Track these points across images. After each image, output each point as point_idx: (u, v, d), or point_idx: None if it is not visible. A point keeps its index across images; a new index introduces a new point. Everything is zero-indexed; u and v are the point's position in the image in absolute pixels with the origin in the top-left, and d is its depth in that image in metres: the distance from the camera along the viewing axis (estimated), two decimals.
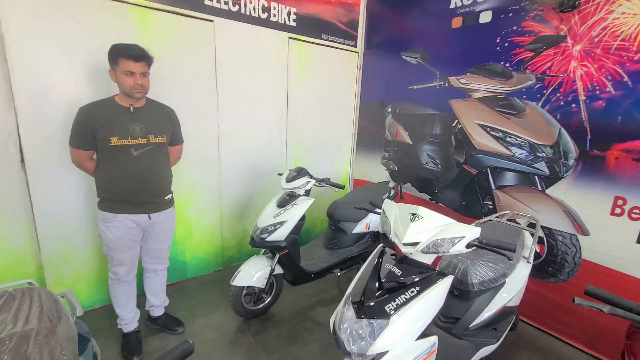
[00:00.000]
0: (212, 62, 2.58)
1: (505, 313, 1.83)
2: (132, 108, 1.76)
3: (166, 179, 1.95)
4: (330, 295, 2.77)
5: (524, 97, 2.34)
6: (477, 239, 1.29)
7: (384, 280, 1.37)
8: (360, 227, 2.67)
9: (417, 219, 1.36)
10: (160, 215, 1.93)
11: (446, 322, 1.78)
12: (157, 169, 1.86)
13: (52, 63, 1.97)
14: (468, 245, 1.28)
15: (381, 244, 1.61)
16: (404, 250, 1.35)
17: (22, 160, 2.01)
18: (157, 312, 2.21)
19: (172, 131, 1.95)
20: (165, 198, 1.95)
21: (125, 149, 1.73)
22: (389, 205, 1.54)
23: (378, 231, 2.79)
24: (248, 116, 2.89)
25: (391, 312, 1.25)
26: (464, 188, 2.79)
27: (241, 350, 2.09)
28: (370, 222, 2.69)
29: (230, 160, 2.85)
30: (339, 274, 2.62)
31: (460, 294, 1.79)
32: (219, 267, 3.05)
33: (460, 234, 1.29)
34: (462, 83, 2.68)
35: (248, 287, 2.26)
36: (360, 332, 1.25)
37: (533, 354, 2.20)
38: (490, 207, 2.61)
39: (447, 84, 2.80)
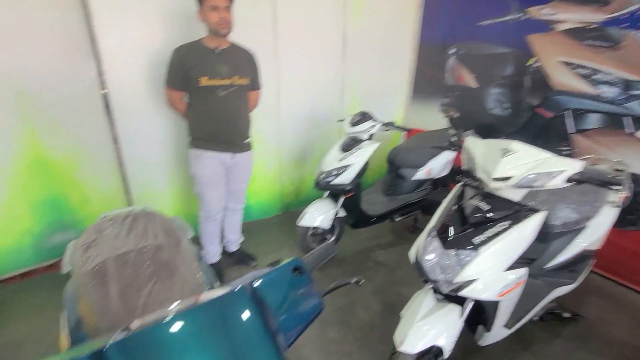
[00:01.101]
0: (271, 5, 2.49)
1: (584, 256, 1.79)
2: (218, 49, 1.84)
3: (246, 122, 2.08)
4: (387, 240, 2.84)
5: (625, 25, 2.05)
6: (579, 172, 1.23)
7: (468, 215, 1.37)
8: (420, 174, 2.64)
9: (509, 153, 1.31)
10: (241, 157, 2.08)
11: (521, 262, 1.78)
12: (239, 110, 1.98)
13: (134, 8, 2.02)
14: (569, 180, 1.22)
15: (461, 182, 1.60)
16: (494, 185, 1.32)
17: (107, 106, 2.16)
18: (233, 247, 2.42)
19: (253, 75, 2.03)
20: (245, 141, 2.09)
21: (212, 89, 1.84)
22: (473, 141, 1.49)
23: (439, 178, 2.75)
24: (306, 63, 2.82)
25: (479, 244, 1.27)
26: (535, 134, 2.61)
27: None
28: (431, 169, 2.64)
29: (288, 109, 2.86)
30: (397, 219, 2.66)
31: (539, 235, 1.75)
32: (278, 212, 3.21)
33: (560, 168, 1.23)
34: (545, 14, 2.39)
35: (314, 227, 2.38)
36: (447, 262, 1.29)
37: (603, 299, 2.16)
38: (567, 153, 2.44)
39: (525, 17, 2.51)
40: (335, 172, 2.25)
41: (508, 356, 1.72)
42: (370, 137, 2.38)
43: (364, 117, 2.32)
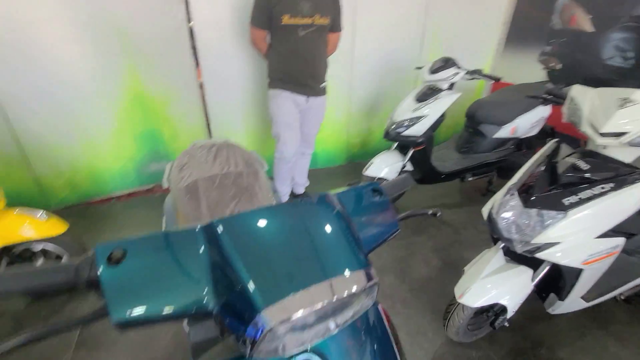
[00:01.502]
0: None
1: None
2: None
3: (324, 65, 2.08)
4: (454, 200, 2.72)
5: None
6: None
7: (560, 174, 1.23)
8: (503, 132, 2.39)
9: (629, 104, 1.10)
10: (315, 101, 2.11)
11: (616, 233, 1.57)
12: (317, 52, 1.99)
13: None
14: None
15: (556, 139, 1.41)
16: (601, 142, 1.14)
17: (194, 47, 2.30)
18: (299, 190, 2.57)
19: (334, 15, 1.98)
20: (321, 85, 2.10)
21: (293, 29, 1.85)
22: (581, 89, 1.28)
23: (525, 138, 2.46)
24: (384, 2, 2.60)
25: (569, 206, 1.14)
26: None
27: None
28: (517, 127, 2.36)
29: (363, 55, 2.73)
30: (469, 179, 2.50)
31: None
32: (343, 162, 3.24)
33: None
34: None
35: (379, 178, 2.36)
36: (526, 221, 1.20)
37: None
38: None
39: None
40: (407, 123, 2.15)
41: (579, 330, 1.60)
42: (451, 87, 2.19)
43: (446, 63, 2.12)
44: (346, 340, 0.54)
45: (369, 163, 2.32)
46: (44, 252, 1.64)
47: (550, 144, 1.40)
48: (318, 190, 2.73)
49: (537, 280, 1.29)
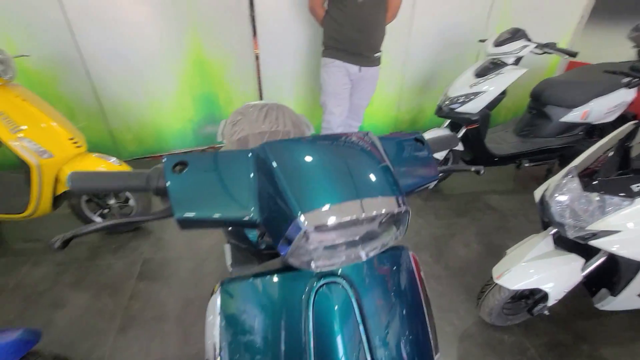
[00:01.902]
0: None
1: None
2: None
3: (381, 34, 2.02)
4: (506, 186, 2.56)
5: None
6: None
7: (633, 158, 1.11)
8: (573, 116, 2.16)
9: None
10: (368, 71, 2.07)
11: None
12: (375, 20, 1.93)
13: None
14: None
15: (635, 121, 1.27)
16: None
17: (253, 17, 2.35)
18: None
19: None
20: (375, 55, 2.05)
21: None
22: None
23: (598, 124, 2.22)
24: None
25: (639, 192, 1.03)
26: None
27: (412, 208, 2.28)
28: (590, 111, 2.13)
29: (422, 25, 2.60)
30: (526, 164, 2.33)
31: None
32: None
33: None
34: None
35: None
36: (584, 206, 1.11)
37: None
38: None
39: None
40: (462, 99, 2.04)
41: (630, 331, 1.48)
42: (517, 62, 2.01)
43: (514, 35, 1.94)
44: (376, 300, 0.57)
45: None
46: (115, 194, 1.88)
47: (627, 126, 1.26)
48: None
49: (588, 271, 1.21)
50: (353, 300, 0.54)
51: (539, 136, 2.29)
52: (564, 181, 1.18)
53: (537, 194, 1.29)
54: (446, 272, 1.79)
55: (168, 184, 0.51)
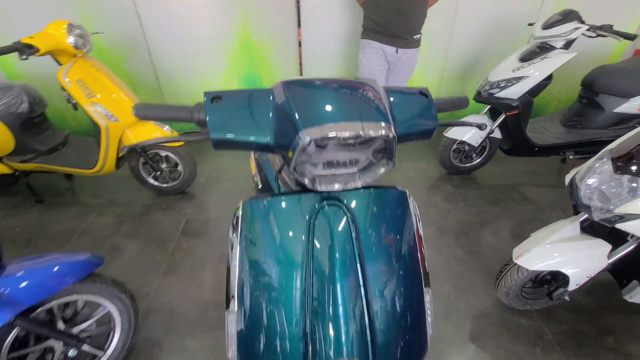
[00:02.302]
0: None
1: None
2: None
3: (421, 16, 2.02)
4: (547, 180, 2.44)
5: None
6: None
7: None
8: (629, 106, 2.00)
9: None
10: (406, 53, 2.09)
11: None
12: (414, 1, 1.92)
13: None
14: None
15: None
16: None
17: (298, 4, 2.45)
18: None
19: None
20: (415, 37, 2.06)
21: None
22: None
23: None
24: None
25: None
26: None
27: (440, 194, 2.28)
28: None
29: (468, 7, 2.52)
30: (571, 157, 2.20)
31: None
32: None
33: None
34: None
35: (460, 142, 2.26)
36: (614, 189, 1.08)
37: None
38: None
39: None
40: (503, 84, 1.98)
41: None
42: (567, 46, 1.90)
43: (566, 16, 1.84)
44: (369, 226, 0.65)
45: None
46: (167, 159, 2.12)
47: None
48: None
49: (615, 258, 1.17)
50: (350, 222, 0.63)
51: (588, 127, 2.16)
52: (597, 164, 1.15)
53: (568, 177, 1.26)
54: (469, 256, 1.79)
55: (206, 108, 0.64)
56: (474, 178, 2.45)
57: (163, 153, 2.07)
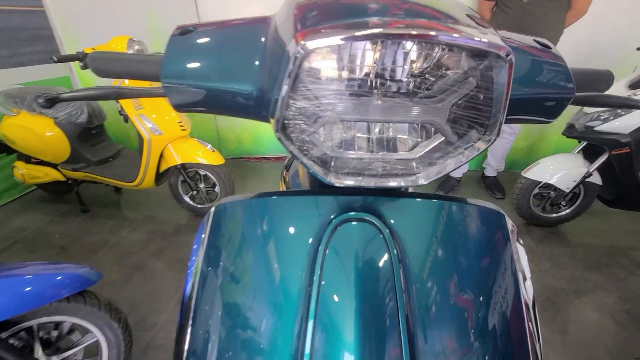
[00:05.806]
0: None
1: None
2: None
3: (551, 34, 1.75)
4: None
5: None
6: None
7: None
8: None
9: None
10: None
11: None
12: (546, 21, 1.71)
13: None
14: None
15: None
16: None
17: None
18: (490, 172, 2.36)
19: None
20: None
21: None
22: None
23: None
24: None
25: None
26: None
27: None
28: None
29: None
30: None
31: None
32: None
33: None
34: None
35: (545, 185, 1.82)
36: None
37: None
38: None
39: None
40: (606, 115, 1.56)
41: None
42: None
43: None
44: (430, 258, 0.37)
45: (534, 163, 1.81)
46: (205, 179, 2.02)
47: None
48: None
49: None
50: (395, 259, 0.34)
51: None
52: None
53: None
54: (561, 337, 1.30)
55: (168, 45, 0.41)
56: (561, 233, 1.94)
57: (202, 172, 1.98)
